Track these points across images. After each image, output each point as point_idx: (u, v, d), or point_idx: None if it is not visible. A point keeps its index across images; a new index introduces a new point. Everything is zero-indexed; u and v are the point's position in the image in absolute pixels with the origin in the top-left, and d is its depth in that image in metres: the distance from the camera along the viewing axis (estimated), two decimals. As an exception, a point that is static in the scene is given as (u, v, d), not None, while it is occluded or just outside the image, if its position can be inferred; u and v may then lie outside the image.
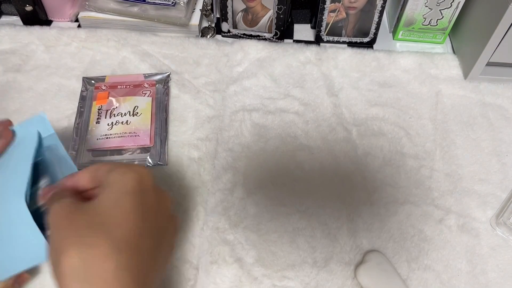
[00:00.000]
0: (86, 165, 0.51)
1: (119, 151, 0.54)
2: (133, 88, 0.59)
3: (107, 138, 0.54)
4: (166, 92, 0.59)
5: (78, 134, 0.55)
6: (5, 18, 0.70)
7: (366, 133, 0.57)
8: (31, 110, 0.57)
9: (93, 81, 0.60)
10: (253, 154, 0.55)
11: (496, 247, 0.48)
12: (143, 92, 0.58)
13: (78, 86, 0.60)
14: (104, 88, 0.58)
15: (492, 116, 0.60)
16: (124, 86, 0.59)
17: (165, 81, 0.60)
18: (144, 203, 0.33)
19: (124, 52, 0.64)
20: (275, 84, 0.62)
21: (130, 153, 0.54)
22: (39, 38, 0.65)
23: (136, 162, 0.53)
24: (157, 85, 0.60)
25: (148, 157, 0.53)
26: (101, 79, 0.60)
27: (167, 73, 0.61)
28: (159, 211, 0.34)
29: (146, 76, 0.61)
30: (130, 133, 0.54)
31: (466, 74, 0.64)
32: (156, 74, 0.61)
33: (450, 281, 0.46)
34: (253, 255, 0.47)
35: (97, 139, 0.54)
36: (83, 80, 0.60)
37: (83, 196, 0.36)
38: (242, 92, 0.61)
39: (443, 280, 0.46)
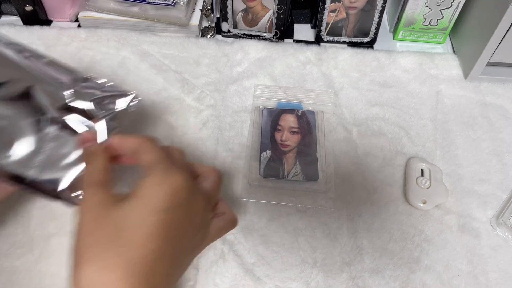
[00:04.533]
0: None
1: None
2: None
3: None
4: None
5: None
6: (5, 18, 0.69)
7: (366, 133, 0.57)
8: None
9: None
10: (253, 154, 0.55)
11: (497, 247, 0.48)
12: None
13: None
14: None
15: (493, 116, 0.60)
16: None
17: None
18: (172, 221, 0.33)
19: (124, 52, 0.64)
20: (275, 84, 0.62)
21: None
22: (39, 38, 0.65)
23: None
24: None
25: None
26: None
27: None
28: (189, 223, 0.34)
29: None
30: None
31: (466, 74, 0.63)
32: None
33: (450, 281, 0.46)
34: (253, 255, 0.47)
35: None
36: None
37: (114, 158, 0.37)
38: (243, 92, 0.61)
39: (443, 280, 0.46)
